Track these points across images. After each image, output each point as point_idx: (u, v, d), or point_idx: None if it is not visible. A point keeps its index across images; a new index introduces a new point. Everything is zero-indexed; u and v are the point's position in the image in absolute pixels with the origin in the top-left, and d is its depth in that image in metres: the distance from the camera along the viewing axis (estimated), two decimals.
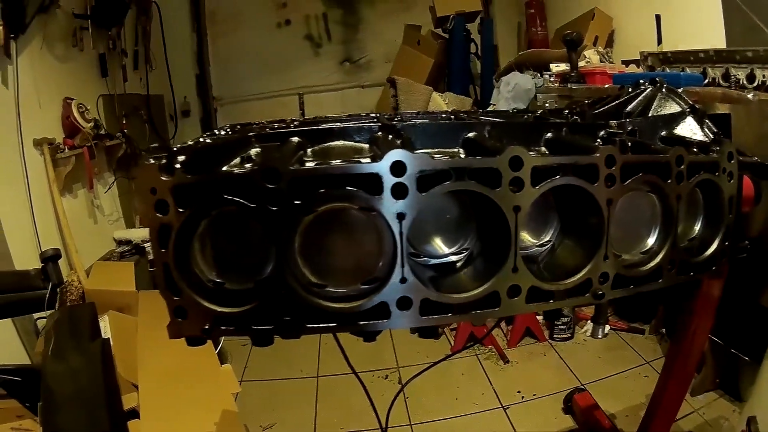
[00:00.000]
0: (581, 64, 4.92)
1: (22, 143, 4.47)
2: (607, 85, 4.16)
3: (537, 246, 1.20)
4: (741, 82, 3.21)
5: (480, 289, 1.00)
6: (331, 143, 1.13)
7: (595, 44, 5.69)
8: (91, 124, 5.24)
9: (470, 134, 1.19)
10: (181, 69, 8.20)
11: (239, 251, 0.98)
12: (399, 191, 0.90)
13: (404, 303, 0.95)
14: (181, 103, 8.31)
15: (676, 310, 3.99)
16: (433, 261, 1.12)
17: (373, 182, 0.89)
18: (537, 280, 1.04)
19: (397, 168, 0.89)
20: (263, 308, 0.93)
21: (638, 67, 4.46)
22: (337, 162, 1.01)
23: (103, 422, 2.44)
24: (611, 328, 4.74)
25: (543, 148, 1.27)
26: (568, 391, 3.71)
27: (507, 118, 1.52)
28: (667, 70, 3.90)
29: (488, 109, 5.73)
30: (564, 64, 4.97)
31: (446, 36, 7.22)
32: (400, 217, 0.91)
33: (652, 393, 2.36)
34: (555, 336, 4.70)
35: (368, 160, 1.04)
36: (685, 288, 1.92)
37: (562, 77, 4.81)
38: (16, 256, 4.13)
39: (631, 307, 4.84)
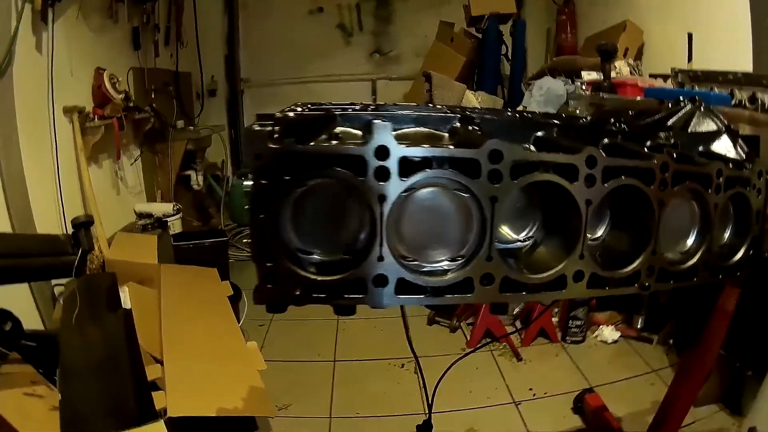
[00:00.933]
0: (612, 74, 4.95)
1: (53, 110, 4.52)
2: (638, 98, 4.19)
3: (591, 239, 1.25)
4: (766, 105, 3.24)
5: (554, 271, 1.09)
6: (412, 129, 1.19)
7: (625, 56, 5.70)
8: (122, 96, 5.27)
9: (540, 133, 1.28)
10: (211, 48, 8.24)
11: (330, 223, 1.03)
12: (495, 177, 0.96)
13: (487, 279, 1.03)
14: (209, 82, 8.35)
15: (687, 324, 4.04)
16: (501, 246, 1.14)
17: (470, 167, 0.95)
18: (598, 267, 1.13)
19: (495, 156, 0.95)
20: (357, 278, 0.98)
21: (665, 82, 4.49)
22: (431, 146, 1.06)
23: (127, 389, 2.48)
24: (621, 335, 4.78)
25: (601, 151, 1.33)
26: (578, 391, 3.75)
27: (566, 122, 1.58)
28: (696, 87, 3.93)
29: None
30: (595, 73, 5.00)
31: (479, 35, 7.21)
32: (493, 200, 0.98)
33: (657, 399, 2.41)
34: (567, 338, 4.75)
35: (452, 146, 1.10)
36: (700, 301, 2.00)
37: (594, 86, 4.83)
38: (38, 220, 4.17)
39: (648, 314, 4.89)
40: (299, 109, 1.34)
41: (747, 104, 3.36)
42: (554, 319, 4.86)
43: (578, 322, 4.70)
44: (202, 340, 3.09)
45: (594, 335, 4.83)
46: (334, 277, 0.98)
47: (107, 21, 5.52)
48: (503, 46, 7.42)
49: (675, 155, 1.24)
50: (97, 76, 5.16)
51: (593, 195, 1.07)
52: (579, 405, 3.72)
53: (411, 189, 0.98)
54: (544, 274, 1.07)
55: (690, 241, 1.33)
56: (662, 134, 1.50)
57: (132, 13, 5.98)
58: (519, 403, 3.90)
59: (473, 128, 1.15)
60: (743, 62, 4.09)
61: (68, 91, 4.74)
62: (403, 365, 4.27)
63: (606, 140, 1.36)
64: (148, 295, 3.52)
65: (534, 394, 4.01)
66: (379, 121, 1.00)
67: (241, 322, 3.88)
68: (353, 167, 0.94)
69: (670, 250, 1.31)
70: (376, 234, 0.96)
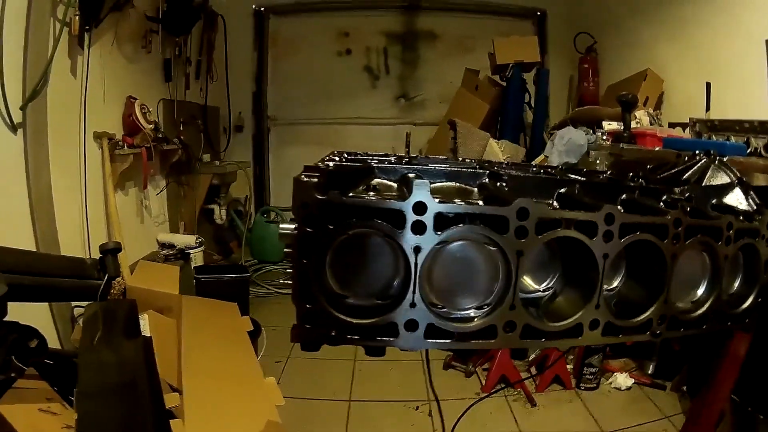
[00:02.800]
0: (633, 124, 5.01)
1: (84, 134, 4.64)
2: (657, 148, 4.25)
3: (607, 290, 1.29)
4: None
5: (572, 319, 1.15)
6: (442, 183, 1.26)
7: (645, 104, 5.76)
8: (152, 126, 5.41)
9: (562, 189, 1.34)
10: (240, 85, 8.40)
11: (365, 270, 1.10)
12: (521, 233, 1.04)
13: (509, 326, 1.09)
14: (236, 117, 8.49)
15: (700, 369, 4.05)
16: (523, 295, 1.19)
17: (499, 223, 1.03)
18: (612, 316, 1.19)
19: (522, 213, 1.03)
20: (389, 322, 1.05)
21: (684, 131, 4.55)
22: (461, 202, 1.14)
23: (145, 415, 2.52)
24: (635, 382, 4.80)
25: (619, 207, 1.39)
26: None
27: (589, 178, 1.64)
28: (714, 137, 3.99)
29: (538, 158, 5.83)
30: (616, 123, 5.05)
31: (503, 83, 7.31)
32: (519, 253, 1.05)
33: None
34: (582, 385, 4.76)
35: (481, 202, 1.18)
36: (712, 346, 2.03)
37: (614, 136, 4.89)
38: (63, 242, 4.25)
39: (660, 362, 4.90)
40: (337, 158, 1.42)
41: (762, 152, 3.41)
42: (569, 366, 4.88)
43: (593, 369, 4.73)
44: (221, 372, 3.12)
45: (608, 382, 4.85)
46: (369, 321, 1.05)
47: (141, 51, 5.69)
48: (527, 95, 7.49)
49: (689, 209, 1.30)
50: (129, 104, 5.29)
51: (610, 249, 1.13)
52: None
53: (443, 242, 1.04)
54: (563, 322, 1.14)
55: (701, 291, 1.38)
56: (677, 189, 1.54)
57: (165, 45, 6.15)
58: None
59: (501, 185, 1.22)
60: (762, 110, 4.17)
61: (99, 116, 4.88)
62: (417, 407, 4.29)
63: (624, 196, 1.41)
64: (168, 324, 3.55)
65: None
66: (418, 178, 1.08)
67: (259, 357, 3.92)
68: (391, 219, 1.02)
69: (682, 300, 1.36)
70: (410, 282, 1.02)
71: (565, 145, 5.39)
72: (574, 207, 1.22)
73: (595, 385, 4.78)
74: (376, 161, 1.28)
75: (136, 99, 5.34)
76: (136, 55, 5.63)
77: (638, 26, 6.70)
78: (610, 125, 5.20)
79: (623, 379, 4.82)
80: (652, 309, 1.23)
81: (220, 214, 7.31)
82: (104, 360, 2.75)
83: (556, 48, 8.46)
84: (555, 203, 1.31)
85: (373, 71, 8.69)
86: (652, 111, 5.66)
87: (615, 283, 1.33)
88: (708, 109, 4.76)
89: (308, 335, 1.07)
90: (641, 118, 5.34)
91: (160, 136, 5.65)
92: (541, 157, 5.77)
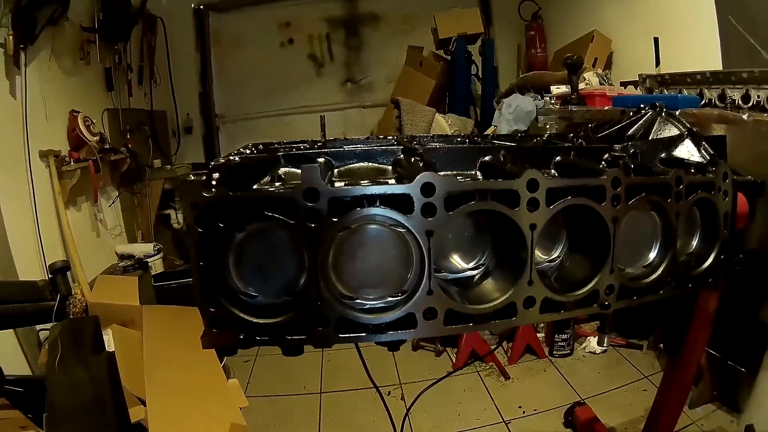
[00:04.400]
0: (581, 86, 4.97)
1: (28, 154, 4.52)
2: (606, 107, 4.20)
3: (547, 261, 1.27)
4: (737, 102, 3.23)
5: (499, 300, 1.07)
6: (356, 164, 1.20)
7: (594, 66, 5.74)
8: (97, 138, 5.29)
9: (487, 158, 1.26)
10: (185, 86, 8.26)
11: (271, 266, 1.03)
12: (428, 210, 0.96)
13: (430, 313, 1.01)
14: (184, 119, 8.37)
15: (674, 325, 4.03)
16: (452, 276, 1.17)
17: (404, 202, 0.95)
18: (550, 292, 1.11)
19: (427, 189, 0.95)
20: (297, 319, 0.98)
21: (636, 89, 4.51)
22: (368, 183, 1.07)
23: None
24: (610, 344, 4.78)
25: (553, 171, 1.33)
26: (569, 405, 3.75)
27: (519, 143, 1.58)
28: (665, 91, 3.93)
29: (489, 129, 5.80)
30: (564, 87, 5.01)
31: (448, 57, 7.26)
32: (429, 234, 0.97)
33: (650, 405, 2.40)
34: (555, 352, 4.76)
35: (393, 180, 1.11)
36: (683, 302, 1.97)
37: (563, 99, 4.85)
38: (20, 266, 4.15)
39: (631, 322, 4.89)
40: (248, 151, 1.35)
41: (717, 103, 3.37)
42: (540, 335, 4.86)
43: (564, 336, 4.71)
44: (184, 379, 3.09)
45: (582, 347, 4.84)
46: (276, 320, 0.98)
47: (80, 63, 5.55)
48: (473, 66, 7.46)
49: (632, 166, 1.24)
50: (72, 119, 5.17)
51: (538, 219, 1.06)
52: (570, 419, 3.71)
53: (346, 228, 0.98)
54: (488, 305, 1.07)
55: (653, 254, 1.30)
56: (617, 146, 1.47)
57: (104, 54, 6.00)
58: (509, 422, 3.90)
59: (415, 159, 1.15)
60: (713, 61, 4.16)
61: (43, 135, 4.76)
62: (389, 393, 4.25)
63: (558, 158, 1.35)
64: (132, 337, 3.55)
65: (524, 412, 4.01)
66: (314, 162, 1.02)
67: (225, 359, 3.87)
68: (288, 210, 0.94)
69: (632, 265, 1.29)
70: (316, 275, 0.96)
71: (513, 113, 5.35)
72: (495, 175, 1.15)
73: (568, 351, 4.77)
74: (288, 149, 1.22)
75: (79, 112, 5.22)
76: (76, 68, 5.50)
77: None
78: (558, 89, 5.15)
79: (596, 343, 4.81)
80: (596, 279, 1.16)
81: (177, 218, 7.19)
82: (69, 381, 2.70)
83: (502, 17, 8.36)
84: (478, 173, 1.25)
85: (318, 59, 8.58)
86: (601, 71, 5.63)
87: (556, 254, 1.27)
88: (658, 64, 4.73)
89: (217, 340, 1.01)
90: (590, 79, 5.30)
91: (106, 147, 5.53)
92: (492, 128, 5.73)
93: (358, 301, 1.04)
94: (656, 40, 4.73)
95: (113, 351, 3.07)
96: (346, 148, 1.23)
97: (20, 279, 4.01)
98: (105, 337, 3.32)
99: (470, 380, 4.47)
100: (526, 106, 5.34)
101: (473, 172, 1.25)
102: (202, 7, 8.34)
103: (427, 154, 1.18)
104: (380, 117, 7.88)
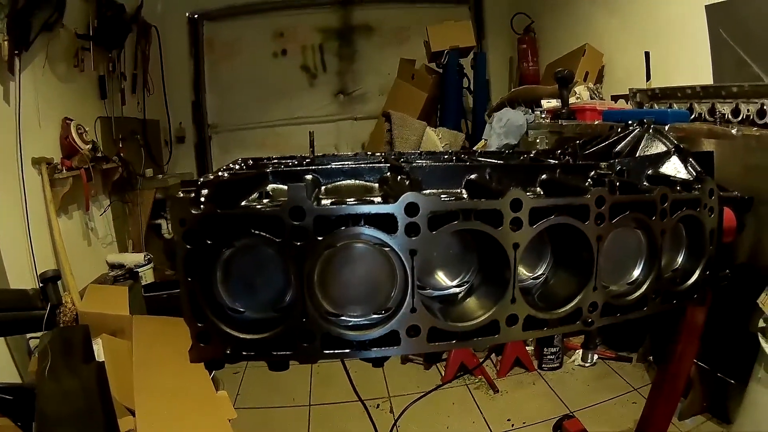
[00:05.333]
0: (572, 100, 5.00)
1: (21, 161, 4.52)
2: (596, 122, 4.23)
3: (531, 278, 1.26)
4: (726, 116, 3.24)
5: (482, 318, 1.07)
6: (343, 182, 1.22)
7: (585, 80, 5.77)
8: (89, 146, 5.29)
9: (472, 176, 1.27)
10: (178, 95, 8.27)
11: (258, 282, 1.04)
12: (412, 229, 0.97)
13: (414, 330, 1.02)
14: (177, 129, 8.37)
15: (663, 338, 4.05)
16: (437, 293, 1.18)
17: (388, 221, 0.97)
18: (533, 309, 1.11)
19: (411, 209, 0.96)
20: (283, 335, 0.99)
21: (627, 103, 4.53)
22: (354, 201, 1.08)
23: None
24: (599, 357, 4.80)
25: (538, 189, 1.34)
26: (558, 418, 3.75)
27: (505, 160, 1.58)
28: (656, 106, 3.94)
29: (479, 144, 5.81)
30: (555, 100, 5.04)
31: (440, 70, 7.29)
32: (412, 253, 0.98)
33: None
34: (544, 365, 4.76)
35: (379, 198, 1.12)
36: (671, 316, 1.97)
37: (553, 113, 4.88)
38: (11, 274, 4.15)
39: (620, 335, 4.91)
40: (237, 166, 1.37)
41: (707, 117, 3.38)
42: (529, 348, 4.87)
43: (553, 349, 4.72)
44: (173, 391, 3.09)
45: (571, 360, 4.85)
46: (262, 336, 0.99)
47: (73, 70, 5.54)
48: (465, 79, 7.49)
49: (618, 184, 1.24)
50: (65, 126, 5.18)
51: (521, 238, 1.06)
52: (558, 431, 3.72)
53: (331, 246, 0.99)
54: (471, 323, 1.07)
55: (637, 272, 1.29)
56: (603, 164, 1.48)
57: (98, 62, 5.99)
58: None
59: (401, 178, 1.16)
60: (704, 75, 4.19)
61: (36, 142, 4.76)
62: (378, 405, 4.26)
63: (544, 176, 1.36)
64: (122, 347, 3.55)
65: (513, 425, 4.02)
66: (301, 181, 1.03)
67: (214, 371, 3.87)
68: (275, 228, 0.96)
69: (616, 283, 1.28)
70: (303, 292, 0.97)
71: (504, 127, 5.37)
72: (479, 194, 1.17)
73: (557, 364, 4.78)
74: (277, 165, 1.23)
75: (71, 120, 5.22)
76: (70, 75, 5.50)
77: (575, 2, 6.72)
78: (549, 103, 5.18)
79: (581, 359, 4.82)
80: (579, 297, 1.16)
81: (168, 228, 7.16)
82: (61, 389, 2.72)
83: (494, 31, 8.44)
84: (463, 191, 1.26)
85: (311, 70, 8.59)
86: (592, 85, 5.66)
87: (541, 271, 1.27)
88: (648, 78, 4.76)
89: (205, 354, 1.02)
90: (581, 93, 5.33)
91: (99, 155, 5.52)
92: (482, 143, 5.74)
93: (343, 317, 1.05)
94: (647, 54, 4.76)
95: (103, 361, 3.08)
96: (333, 165, 1.25)
97: (11, 287, 4.00)
98: (95, 347, 3.32)
99: (459, 393, 4.47)
100: (516, 120, 5.36)
101: (459, 191, 1.26)
102: (196, 15, 8.35)
103: (413, 173, 1.20)
104: (372, 129, 7.87)
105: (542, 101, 5.31)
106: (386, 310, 1.06)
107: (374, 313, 1.07)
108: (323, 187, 1.22)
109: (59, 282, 3.65)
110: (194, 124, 8.55)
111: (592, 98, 5.26)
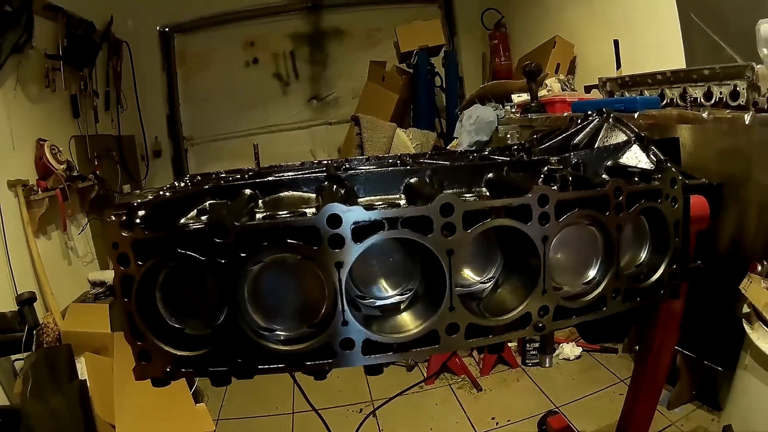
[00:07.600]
0: (543, 92, 5.01)
1: None
2: (566, 114, 4.24)
3: (481, 282, 1.23)
4: (699, 100, 3.19)
5: (419, 329, 1.06)
6: (281, 194, 1.22)
7: (557, 72, 5.77)
8: (64, 166, 5.27)
9: (411, 180, 1.25)
10: (152, 109, 8.22)
11: (195, 299, 1.05)
12: (336, 242, 0.97)
13: (347, 343, 1.02)
14: (153, 143, 8.31)
15: (647, 328, 4.05)
16: (379, 302, 1.16)
17: (312, 234, 0.97)
18: (474, 317, 1.09)
19: (334, 221, 0.96)
20: (218, 351, 1.00)
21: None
22: (281, 215, 1.09)
23: None
24: (584, 350, 4.78)
25: (484, 189, 1.32)
26: (542, 414, 3.75)
27: (450, 161, 1.56)
28: (626, 94, 3.93)
29: (452, 142, 5.81)
30: (526, 95, 5.03)
31: (410, 71, 7.29)
32: (338, 265, 0.98)
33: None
34: (528, 361, 4.74)
35: (313, 210, 1.13)
36: (652, 306, 1.90)
37: (523, 107, 4.88)
38: None
39: (600, 329, 4.90)
40: (182, 184, 1.38)
41: (679, 102, 3.35)
42: (512, 345, 4.86)
43: (536, 344, 4.70)
44: (152, 406, 3.10)
45: (555, 354, 4.82)
46: (198, 352, 1.01)
47: (45, 90, 5.51)
48: (438, 78, 7.51)
49: (571, 179, 1.23)
50: (39, 147, 5.15)
51: (454, 244, 1.04)
52: (543, 428, 3.71)
53: (258, 262, 1.00)
54: (406, 334, 1.07)
55: (593, 272, 1.25)
56: (554, 159, 1.44)
57: (69, 81, 5.96)
58: None
59: (336, 188, 1.17)
60: (677, 61, 4.20)
61: (11, 164, 4.75)
62: (361, 410, 4.25)
63: (490, 175, 1.33)
64: (104, 364, 3.57)
65: (497, 423, 4.01)
66: (248, 191, 1.04)
67: (197, 383, 3.86)
68: (203, 246, 0.96)
69: (572, 284, 1.25)
70: (240, 308, 0.99)
71: (474, 124, 5.37)
72: (414, 200, 1.17)
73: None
74: (223, 179, 1.24)
75: (45, 141, 5.19)
76: (41, 96, 5.47)
77: None
78: (519, 97, 5.18)
79: (570, 349, 4.81)
80: (526, 302, 1.13)
81: None
82: (45, 409, 2.76)
83: (466, 28, 8.45)
84: (402, 197, 1.26)
85: (283, 77, 8.57)
86: (564, 77, 5.66)
87: (489, 275, 1.23)
88: (618, 66, 4.73)
89: (147, 372, 1.03)
90: (552, 85, 5.33)
91: (74, 174, 5.51)
92: (454, 141, 5.75)
93: (277, 332, 1.06)
94: (616, 42, 4.75)
95: (85, 379, 3.10)
96: (273, 177, 1.25)
97: None
98: (78, 366, 3.33)
99: (442, 394, 4.47)
100: (486, 117, 5.36)
101: (397, 196, 1.25)
102: (167, 29, 8.31)
103: (350, 181, 1.20)
104: (347, 132, 7.80)
105: (513, 96, 5.31)
106: (319, 323, 1.05)
107: (308, 327, 1.06)
108: (261, 201, 1.22)
109: (41, 302, 3.67)
110: (170, 137, 8.51)
111: (563, 90, 5.25)
